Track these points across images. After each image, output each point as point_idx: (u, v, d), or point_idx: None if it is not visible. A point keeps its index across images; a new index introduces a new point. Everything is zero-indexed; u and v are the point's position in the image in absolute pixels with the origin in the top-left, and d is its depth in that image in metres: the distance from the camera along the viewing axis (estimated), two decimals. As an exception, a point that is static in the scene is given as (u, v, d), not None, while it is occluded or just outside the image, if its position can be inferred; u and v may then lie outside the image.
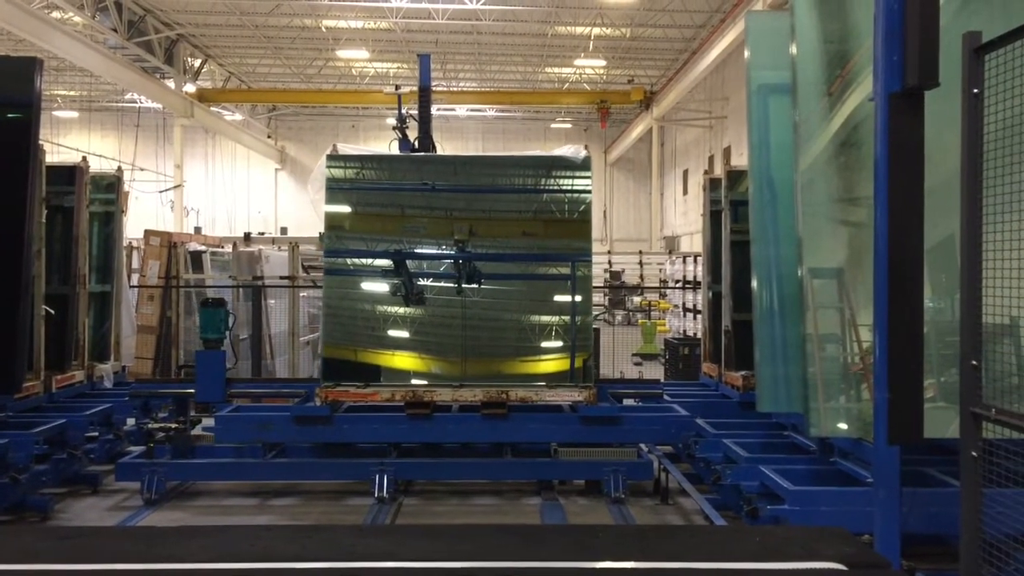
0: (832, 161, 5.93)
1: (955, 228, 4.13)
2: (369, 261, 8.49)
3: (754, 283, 6.80)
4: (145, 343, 12.50)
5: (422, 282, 8.41)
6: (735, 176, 9.20)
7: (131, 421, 9.02)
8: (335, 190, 8.57)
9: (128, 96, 34.23)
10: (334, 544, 3.62)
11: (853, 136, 5.82)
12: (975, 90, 3.92)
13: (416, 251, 8.46)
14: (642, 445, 8.39)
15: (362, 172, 8.79)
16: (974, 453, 3.87)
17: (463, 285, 8.34)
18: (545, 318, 8.38)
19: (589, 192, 8.57)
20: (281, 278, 13.30)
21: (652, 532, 5.16)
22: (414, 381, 8.16)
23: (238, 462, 8.23)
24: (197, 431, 8.79)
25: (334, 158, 8.64)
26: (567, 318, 8.29)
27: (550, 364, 8.30)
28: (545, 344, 8.32)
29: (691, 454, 7.72)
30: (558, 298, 8.44)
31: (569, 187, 8.57)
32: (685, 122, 32.90)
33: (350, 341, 8.36)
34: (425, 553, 3.43)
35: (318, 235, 16.42)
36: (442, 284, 8.46)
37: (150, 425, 8.21)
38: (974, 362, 3.90)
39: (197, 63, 31.79)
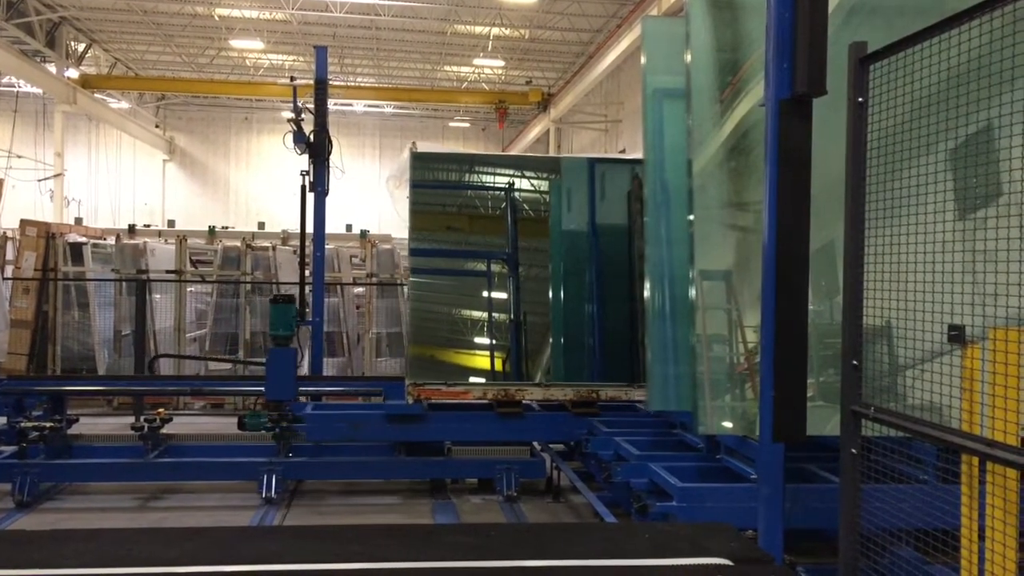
0: (723, 166, 6.06)
1: (839, 233, 4.25)
2: (462, 262, 8.61)
3: (647, 284, 6.90)
4: (19, 338, 11.97)
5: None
6: (630, 179, 9.32)
7: (2, 420, 8.59)
8: (420, 188, 8.52)
9: (5, 80, 32.57)
10: (217, 547, 3.50)
11: (743, 142, 5.95)
12: (860, 99, 4.04)
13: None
14: (535, 444, 8.44)
15: (447, 172, 8.87)
16: (853, 450, 3.99)
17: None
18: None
19: None
20: (167, 272, 12.94)
21: (544, 530, 5.19)
22: (497, 381, 8.25)
23: (117, 463, 7.93)
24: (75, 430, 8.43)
25: (419, 156, 8.57)
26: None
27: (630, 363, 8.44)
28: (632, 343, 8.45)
29: (583, 452, 7.79)
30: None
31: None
32: (582, 124, 33.21)
33: (433, 341, 8.53)
34: (313, 555, 3.35)
35: (208, 229, 15.97)
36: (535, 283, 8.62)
37: (23, 424, 7.84)
38: (855, 362, 4.02)
39: (81, 48, 30.48)
